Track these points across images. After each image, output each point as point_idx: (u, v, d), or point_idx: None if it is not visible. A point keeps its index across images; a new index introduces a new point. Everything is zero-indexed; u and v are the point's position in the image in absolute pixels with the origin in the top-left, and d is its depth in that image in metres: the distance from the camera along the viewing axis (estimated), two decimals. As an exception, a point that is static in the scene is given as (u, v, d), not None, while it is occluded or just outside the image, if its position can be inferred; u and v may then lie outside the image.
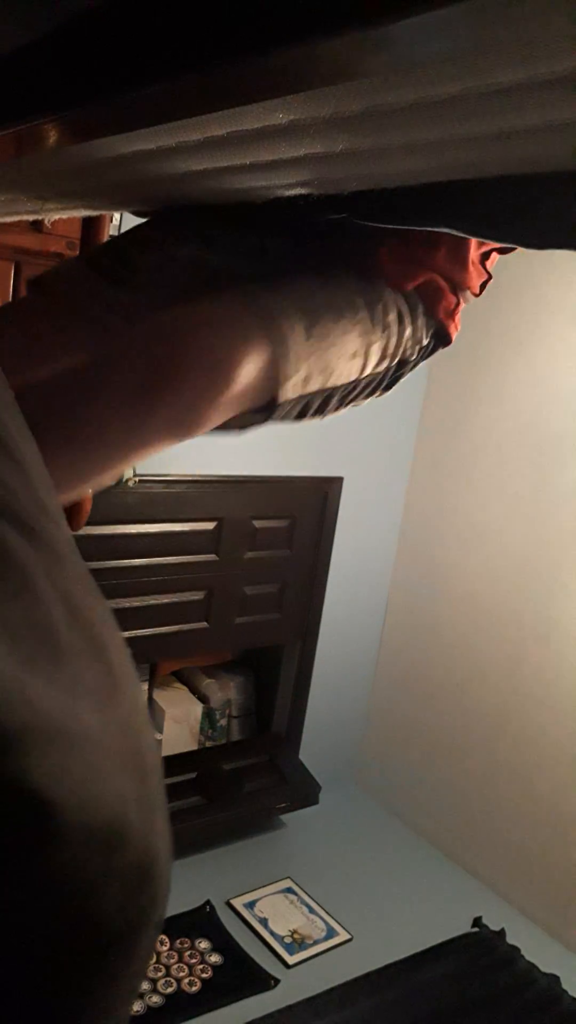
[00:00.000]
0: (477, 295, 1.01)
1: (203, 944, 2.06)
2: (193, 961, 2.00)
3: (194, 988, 1.92)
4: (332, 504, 2.55)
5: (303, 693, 2.69)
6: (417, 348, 0.99)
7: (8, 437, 0.36)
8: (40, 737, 0.27)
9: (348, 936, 2.17)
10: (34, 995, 0.28)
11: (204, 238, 0.97)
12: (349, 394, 0.95)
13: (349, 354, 0.89)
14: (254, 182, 0.77)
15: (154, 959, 1.95)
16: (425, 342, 1.00)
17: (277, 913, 2.22)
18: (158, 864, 0.31)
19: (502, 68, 0.43)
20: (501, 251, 1.00)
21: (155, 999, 1.87)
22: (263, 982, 1.97)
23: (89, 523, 1.61)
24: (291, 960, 2.06)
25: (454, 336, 1.02)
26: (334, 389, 0.92)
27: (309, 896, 2.30)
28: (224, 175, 0.74)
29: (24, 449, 0.37)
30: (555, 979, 2.08)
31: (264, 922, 2.17)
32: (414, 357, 1.00)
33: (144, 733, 0.34)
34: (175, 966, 1.97)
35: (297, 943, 2.12)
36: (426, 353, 1.02)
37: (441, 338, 1.01)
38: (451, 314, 1.00)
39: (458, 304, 1.00)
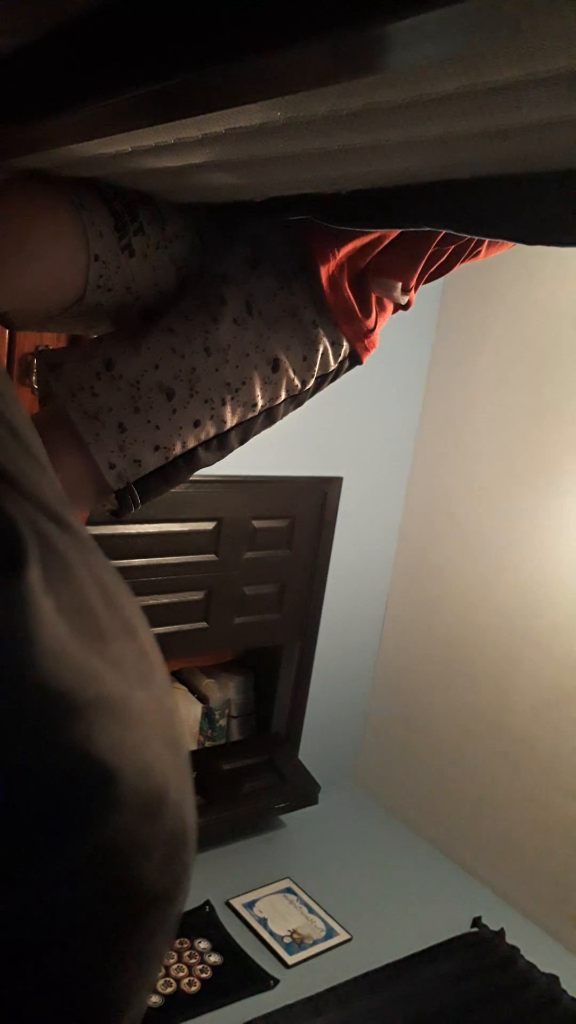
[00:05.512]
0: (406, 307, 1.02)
1: (202, 944, 2.06)
2: (192, 961, 2.00)
3: (193, 988, 1.92)
4: (332, 504, 2.55)
5: (302, 693, 2.69)
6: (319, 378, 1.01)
7: (23, 434, 0.37)
8: (105, 709, 0.29)
9: (347, 936, 2.17)
10: (82, 949, 0.29)
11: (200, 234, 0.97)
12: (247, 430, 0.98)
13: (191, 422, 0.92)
14: (252, 179, 0.77)
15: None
16: (332, 367, 1.01)
17: (276, 913, 2.22)
18: (190, 834, 0.33)
19: (499, 66, 0.44)
20: (435, 277, 1.00)
21: (154, 999, 1.87)
22: (262, 982, 1.97)
23: (88, 523, 1.62)
24: (290, 960, 2.06)
25: (366, 359, 1.03)
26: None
27: (308, 896, 2.30)
28: (223, 171, 0.75)
29: (37, 445, 0.38)
30: (555, 979, 2.08)
31: (263, 922, 2.17)
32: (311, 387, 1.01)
33: (175, 710, 0.36)
34: (174, 966, 1.97)
35: (296, 943, 2.12)
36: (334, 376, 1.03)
37: (354, 361, 1.03)
38: (366, 336, 1.01)
39: (374, 330, 1.01)
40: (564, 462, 2.28)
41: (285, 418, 1.02)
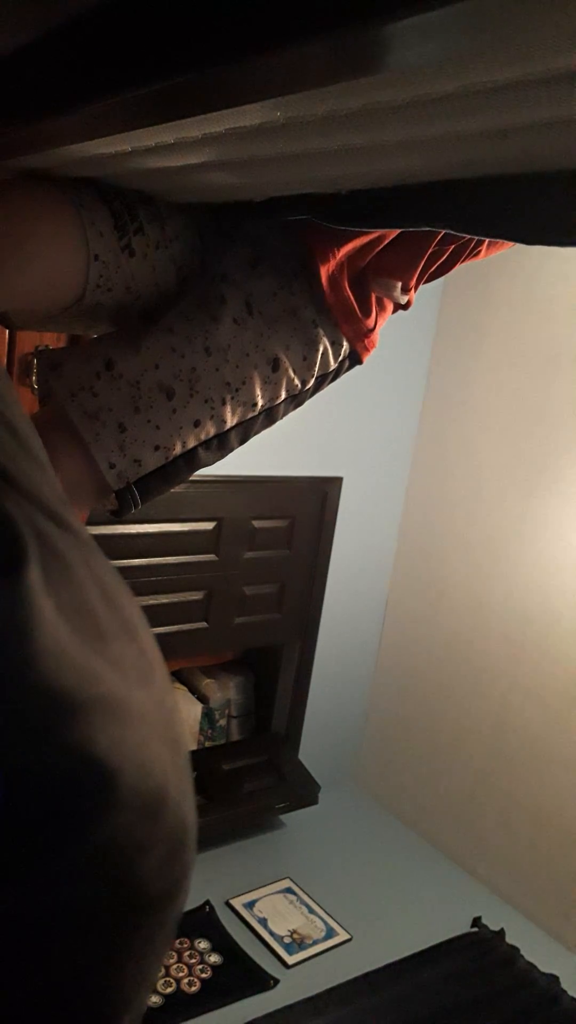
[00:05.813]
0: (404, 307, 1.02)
1: (202, 944, 2.06)
2: (192, 961, 2.00)
3: (193, 988, 1.92)
4: (332, 504, 2.55)
5: (302, 693, 2.69)
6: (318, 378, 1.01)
7: (23, 434, 0.37)
8: (104, 709, 0.29)
9: (347, 936, 2.17)
10: (82, 949, 0.29)
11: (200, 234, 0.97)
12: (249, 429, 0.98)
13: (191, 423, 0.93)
14: (252, 179, 0.77)
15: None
16: (333, 367, 1.01)
17: (276, 913, 2.22)
18: (190, 834, 0.33)
19: (499, 66, 0.44)
20: (435, 277, 1.01)
21: (154, 999, 1.87)
22: (262, 982, 1.97)
23: (88, 523, 1.62)
24: (290, 960, 2.06)
25: (366, 359, 1.03)
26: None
27: (308, 896, 2.30)
28: (223, 171, 0.75)
29: (37, 445, 0.38)
30: (554, 979, 2.08)
31: (263, 922, 2.17)
32: (310, 387, 1.01)
33: (175, 710, 0.36)
34: (174, 966, 1.97)
35: (296, 943, 2.12)
36: (334, 376, 1.03)
37: (354, 361, 1.03)
38: (366, 335, 1.01)
39: (374, 330, 1.01)
40: (564, 462, 2.28)
41: (285, 418, 1.02)
